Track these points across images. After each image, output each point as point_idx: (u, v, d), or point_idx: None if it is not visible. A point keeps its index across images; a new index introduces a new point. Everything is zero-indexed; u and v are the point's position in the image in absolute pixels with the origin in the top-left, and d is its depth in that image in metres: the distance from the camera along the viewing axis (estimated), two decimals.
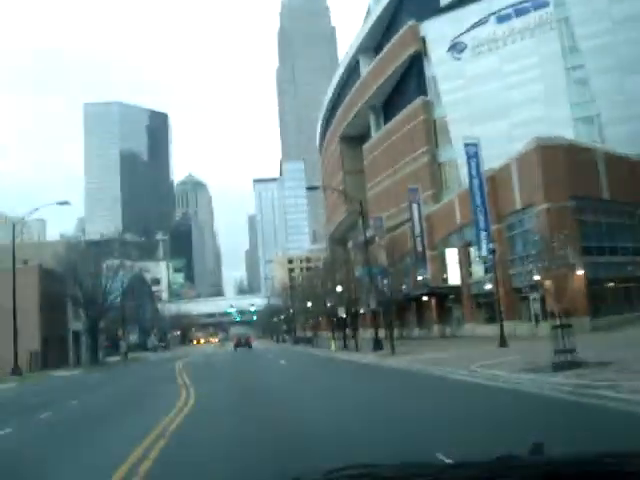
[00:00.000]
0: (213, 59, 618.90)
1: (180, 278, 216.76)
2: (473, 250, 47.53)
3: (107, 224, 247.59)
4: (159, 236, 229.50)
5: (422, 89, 61.05)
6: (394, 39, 64.64)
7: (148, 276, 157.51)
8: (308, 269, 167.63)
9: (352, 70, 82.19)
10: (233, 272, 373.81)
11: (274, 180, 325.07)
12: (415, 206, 54.29)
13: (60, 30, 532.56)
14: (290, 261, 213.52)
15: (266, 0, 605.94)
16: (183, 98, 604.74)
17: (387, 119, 70.51)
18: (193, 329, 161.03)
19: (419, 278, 54.84)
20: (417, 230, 54.40)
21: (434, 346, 39.22)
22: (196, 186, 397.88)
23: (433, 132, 59.13)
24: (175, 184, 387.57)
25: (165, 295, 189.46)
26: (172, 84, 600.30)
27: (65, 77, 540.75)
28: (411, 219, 55.46)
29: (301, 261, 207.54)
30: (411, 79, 64.10)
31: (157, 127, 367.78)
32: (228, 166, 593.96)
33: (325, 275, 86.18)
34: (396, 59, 64.12)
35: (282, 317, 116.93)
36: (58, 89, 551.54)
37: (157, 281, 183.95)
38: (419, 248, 54.20)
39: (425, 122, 59.06)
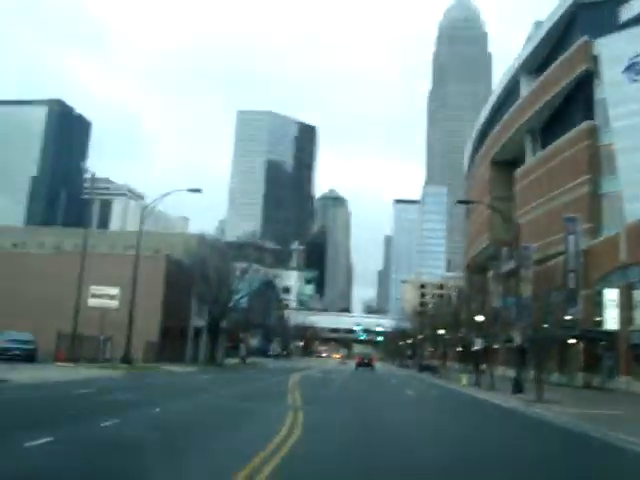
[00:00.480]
0: (365, 78, 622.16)
1: (310, 290, 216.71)
2: (638, 293, 42.04)
3: (246, 228, 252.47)
4: (294, 246, 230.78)
5: (588, 113, 55.78)
6: (562, 57, 59.73)
7: (279, 284, 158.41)
8: (440, 296, 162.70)
9: (510, 91, 77.67)
10: (363, 291, 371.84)
11: (415, 202, 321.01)
12: (572, 238, 49.10)
13: (229, 46, 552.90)
14: (422, 286, 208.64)
15: (423, 22, 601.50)
16: (332, 113, 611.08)
17: (545, 144, 65.50)
18: (316, 342, 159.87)
19: (567, 318, 49.42)
20: (571, 264, 49.05)
21: (587, 399, 34.05)
22: (336, 202, 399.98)
23: (597, 160, 53.75)
24: (316, 197, 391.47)
25: (293, 304, 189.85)
26: (323, 98, 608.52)
27: (221, 84, 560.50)
28: (566, 252, 50.08)
29: (434, 287, 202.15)
30: (577, 102, 58.96)
31: (304, 139, 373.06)
32: (370, 184, 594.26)
33: (460, 304, 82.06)
34: (562, 79, 59.22)
35: (409, 342, 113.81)
36: (212, 94, 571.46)
37: (287, 289, 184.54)
38: (571, 284, 48.74)
39: (589, 149, 53.74)
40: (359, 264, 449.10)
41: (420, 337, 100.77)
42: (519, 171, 70.61)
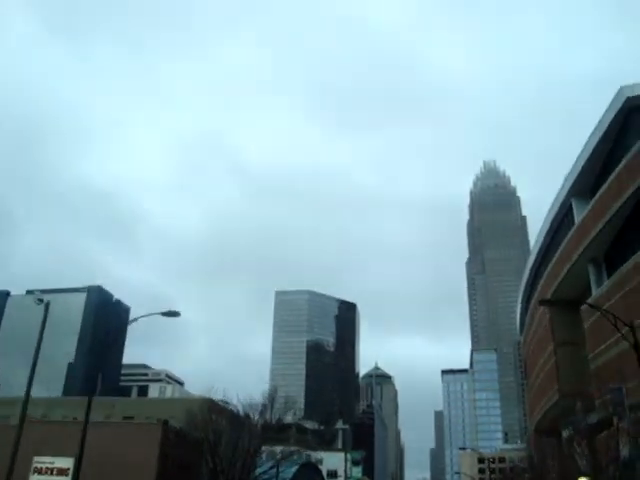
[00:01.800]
0: (400, 253, 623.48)
1: (358, 472, 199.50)
2: None
3: (289, 410, 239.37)
4: (339, 425, 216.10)
5: None
6: (620, 167, 52.14)
7: (324, 468, 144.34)
8: (501, 470, 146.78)
9: (561, 221, 69.64)
10: (416, 472, 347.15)
11: (464, 371, 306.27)
12: None
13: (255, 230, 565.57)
14: (481, 460, 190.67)
15: (454, 192, 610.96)
16: (370, 290, 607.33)
17: (611, 270, 56.39)
18: None
19: None
20: None
21: None
22: (382, 379, 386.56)
23: None
24: (361, 376, 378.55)
25: None
26: (359, 276, 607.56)
27: (253, 265, 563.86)
28: None
29: (493, 460, 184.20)
30: None
31: (345, 317, 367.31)
32: (415, 358, 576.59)
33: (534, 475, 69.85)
34: (620, 195, 51.41)
35: None
36: (247, 276, 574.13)
37: (333, 473, 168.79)
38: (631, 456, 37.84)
39: None
40: (410, 443, 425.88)
41: None
42: (586, 306, 60.70)
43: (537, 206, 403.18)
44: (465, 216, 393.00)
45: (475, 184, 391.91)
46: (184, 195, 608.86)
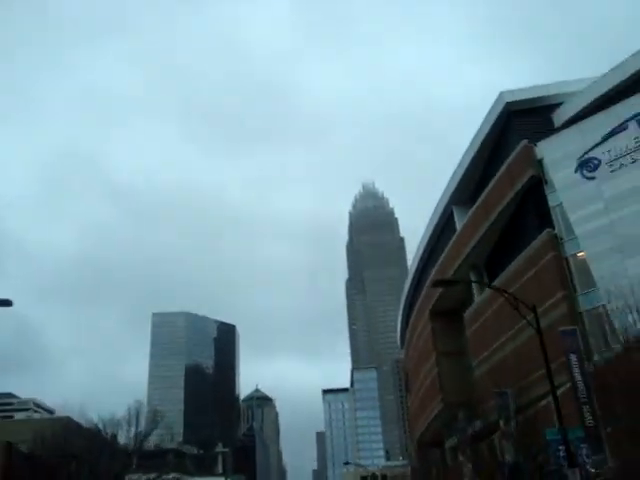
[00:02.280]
0: (280, 270, 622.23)
1: None
2: None
3: (167, 437, 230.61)
4: (219, 448, 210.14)
5: (542, 226, 47.23)
6: (501, 171, 52.13)
7: None
8: None
9: (441, 231, 69.56)
10: None
11: (345, 390, 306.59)
12: (574, 357, 37.33)
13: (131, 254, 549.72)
14: (364, 477, 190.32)
15: (335, 213, 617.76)
16: (251, 311, 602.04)
17: (493, 276, 56.24)
18: None
19: (592, 470, 35.82)
20: (582, 395, 35.98)
21: None
22: (262, 401, 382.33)
23: (566, 274, 44.21)
24: (241, 398, 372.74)
25: None
26: (238, 295, 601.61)
27: (135, 288, 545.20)
28: (572, 379, 37.24)
29: (376, 477, 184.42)
30: (526, 216, 50.74)
31: (225, 339, 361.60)
32: (296, 379, 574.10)
33: None
34: (506, 194, 51.33)
35: None
36: (127, 300, 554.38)
37: None
38: (589, 422, 35.50)
39: (556, 261, 44.40)
40: (292, 465, 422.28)
41: None
42: (468, 313, 60.42)
43: (414, 227, 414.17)
44: (345, 237, 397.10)
45: (354, 206, 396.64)
46: (53, 214, 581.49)
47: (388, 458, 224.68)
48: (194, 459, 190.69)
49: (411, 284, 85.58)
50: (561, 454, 32.73)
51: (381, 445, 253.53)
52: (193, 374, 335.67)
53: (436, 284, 44.11)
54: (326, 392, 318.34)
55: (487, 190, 54.75)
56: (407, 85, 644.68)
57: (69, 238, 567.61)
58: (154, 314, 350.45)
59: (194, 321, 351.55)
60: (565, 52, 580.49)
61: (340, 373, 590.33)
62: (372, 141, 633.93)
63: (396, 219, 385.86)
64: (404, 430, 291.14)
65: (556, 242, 45.22)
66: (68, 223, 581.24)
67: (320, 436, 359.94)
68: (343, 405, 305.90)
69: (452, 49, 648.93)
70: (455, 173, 62.27)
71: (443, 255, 66.52)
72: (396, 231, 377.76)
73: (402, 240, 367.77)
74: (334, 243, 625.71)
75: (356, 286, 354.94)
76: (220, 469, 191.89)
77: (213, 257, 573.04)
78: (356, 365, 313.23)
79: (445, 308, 69.65)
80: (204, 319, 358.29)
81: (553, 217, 46.42)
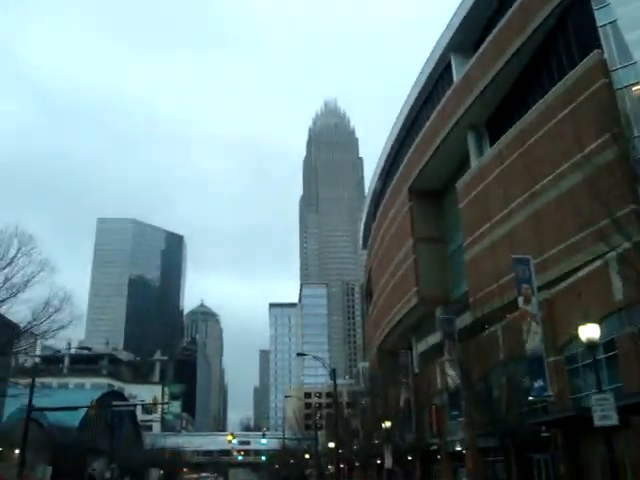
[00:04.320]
0: (233, 182, 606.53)
1: (176, 407, 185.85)
2: None
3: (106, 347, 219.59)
4: (157, 356, 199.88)
5: (583, 55, 35.51)
6: (515, 6, 40.06)
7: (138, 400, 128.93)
8: (328, 406, 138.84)
9: (437, 81, 56.97)
10: (239, 413, 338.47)
11: (293, 305, 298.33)
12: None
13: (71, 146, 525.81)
14: (307, 395, 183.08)
15: (294, 128, 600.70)
16: (199, 221, 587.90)
17: (495, 139, 44.82)
18: (184, 469, 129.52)
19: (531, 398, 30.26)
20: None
21: None
22: (207, 316, 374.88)
23: (618, 111, 32.75)
24: (185, 313, 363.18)
25: (157, 426, 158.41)
26: (188, 205, 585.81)
27: (82, 191, 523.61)
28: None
29: (319, 396, 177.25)
30: (557, 49, 38.89)
31: (171, 249, 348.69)
32: (243, 295, 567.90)
33: (371, 403, 59.60)
34: (528, 23, 39.22)
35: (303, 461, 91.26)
36: (61, 207, 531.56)
37: (148, 409, 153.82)
38: (539, 352, 29.15)
39: (606, 90, 32.79)
40: (234, 383, 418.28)
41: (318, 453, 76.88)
42: (462, 182, 48.92)
43: (373, 148, 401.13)
44: (302, 153, 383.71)
45: (314, 122, 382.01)
46: None
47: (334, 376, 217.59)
48: (130, 366, 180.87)
49: (386, 160, 73.13)
50: None
51: (327, 364, 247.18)
52: (137, 284, 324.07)
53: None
54: (273, 306, 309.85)
55: (507, 16, 42.41)
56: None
57: None
58: (99, 219, 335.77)
59: (141, 229, 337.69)
60: None
61: (288, 294, 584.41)
62: (335, 57, 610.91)
63: (356, 139, 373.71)
64: (352, 351, 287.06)
65: (605, 69, 33.58)
66: None
67: (264, 354, 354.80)
68: (290, 320, 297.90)
69: None
70: (460, 7, 49.38)
71: (432, 117, 54.53)
72: (356, 151, 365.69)
73: (361, 160, 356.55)
74: (290, 160, 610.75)
75: (310, 204, 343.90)
76: (157, 377, 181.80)
77: (148, 168, 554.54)
78: (306, 283, 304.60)
79: (426, 187, 58.36)
80: (152, 227, 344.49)
81: (602, 39, 34.56)
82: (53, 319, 30.02)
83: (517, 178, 39.65)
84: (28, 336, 32.60)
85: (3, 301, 28.67)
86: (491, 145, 46.41)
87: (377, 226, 76.31)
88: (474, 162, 47.81)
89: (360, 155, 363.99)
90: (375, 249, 78.26)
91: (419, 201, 58.60)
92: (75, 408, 52.16)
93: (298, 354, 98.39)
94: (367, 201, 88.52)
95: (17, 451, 63.80)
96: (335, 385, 50.88)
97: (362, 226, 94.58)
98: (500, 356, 34.47)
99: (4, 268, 27.91)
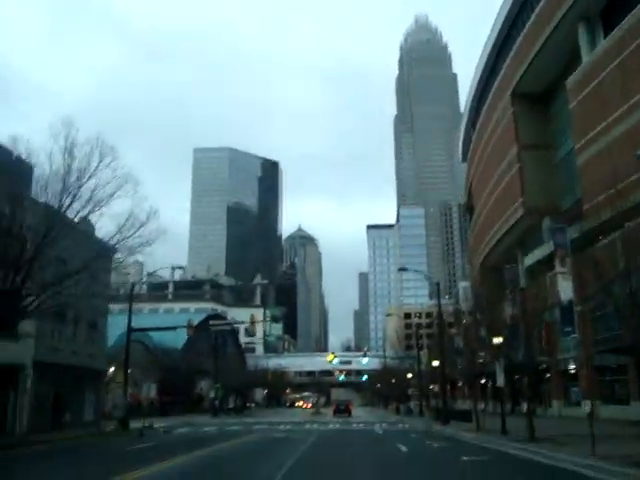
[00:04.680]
0: (325, 107, 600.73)
1: (277, 329, 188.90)
2: None
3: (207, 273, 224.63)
4: (257, 280, 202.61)
5: None
6: None
7: (241, 327, 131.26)
8: (429, 326, 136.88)
9: None
10: (339, 335, 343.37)
11: (390, 227, 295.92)
12: None
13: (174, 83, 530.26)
14: (407, 315, 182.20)
15: (385, 47, 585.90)
16: (293, 148, 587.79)
17: (609, 31, 40.19)
18: (287, 389, 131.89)
19: None
20: None
21: None
22: (305, 240, 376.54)
23: None
24: (284, 238, 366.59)
25: (260, 349, 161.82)
26: (283, 133, 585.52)
27: (180, 125, 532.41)
28: None
29: (419, 316, 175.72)
30: None
31: (267, 176, 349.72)
32: (340, 219, 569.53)
33: (474, 321, 56.83)
34: None
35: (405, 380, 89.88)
36: (160, 141, 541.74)
37: (250, 331, 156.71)
38: None
39: None
40: (334, 307, 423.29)
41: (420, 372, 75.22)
42: (573, 79, 44.53)
43: (467, 63, 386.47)
44: (394, 72, 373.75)
45: (406, 39, 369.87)
46: (66, 56, 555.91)
47: (432, 298, 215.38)
48: (232, 290, 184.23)
49: (482, 72, 68.61)
50: None
51: (426, 285, 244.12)
52: (235, 211, 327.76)
53: None
54: (371, 228, 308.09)
55: None
56: None
57: (85, 82, 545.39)
58: (196, 149, 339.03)
59: (237, 157, 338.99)
60: None
61: (385, 216, 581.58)
62: None
63: (449, 54, 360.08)
64: (450, 272, 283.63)
65: None
66: (82, 66, 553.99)
67: (363, 277, 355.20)
68: (388, 242, 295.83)
69: None
70: None
71: (536, 11, 49.71)
72: (449, 66, 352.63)
73: (455, 76, 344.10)
74: (383, 80, 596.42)
75: (405, 123, 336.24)
76: (258, 301, 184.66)
77: (243, 97, 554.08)
78: (403, 204, 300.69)
79: (530, 90, 53.90)
80: (247, 155, 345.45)
81: None
82: (139, 234, 29.10)
83: (638, 69, 35.28)
84: (119, 252, 31.82)
85: (88, 214, 27.84)
86: (605, 37, 41.70)
87: (477, 137, 72.13)
88: (586, 57, 43.27)
89: (454, 71, 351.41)
90: (475, 162, 74.27)
91: (523, 105, 54.36)
92: (173, 328, 52.40)
93: (399, 269, 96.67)
94: (465, 112, 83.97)
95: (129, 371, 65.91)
96: (439, 297, 48.74)
97: (461, 138, 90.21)
98: (619, 268, 31.15)
99: (88, 180, 26.89)
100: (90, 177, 27.08)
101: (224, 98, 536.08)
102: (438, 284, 51.02)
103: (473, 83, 76.51)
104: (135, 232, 28.84)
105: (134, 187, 28.05)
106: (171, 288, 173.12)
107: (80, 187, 27.26)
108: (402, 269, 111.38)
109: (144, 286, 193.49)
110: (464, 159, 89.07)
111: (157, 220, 30.25)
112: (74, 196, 27.37)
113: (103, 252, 31.53)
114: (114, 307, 51.26)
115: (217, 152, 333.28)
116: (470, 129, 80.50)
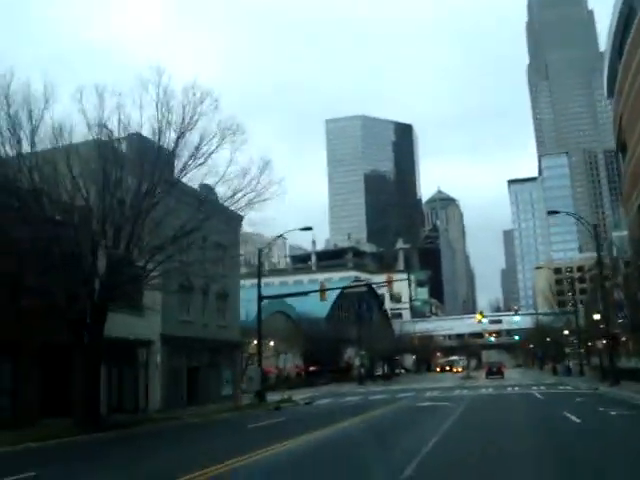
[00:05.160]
0: (455, 64, 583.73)
1: (423, 293, 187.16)
2: None
3: (348, 242, 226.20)
4: (399, 245, 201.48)
5: None
6: None
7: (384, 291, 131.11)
8: (581, 280, 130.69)
9: None
10: (487, 296, 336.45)
11: (532, 180, 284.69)
12: None
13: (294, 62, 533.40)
14: (557, 271, 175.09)
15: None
16: (424, 110, 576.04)
17: None
18: (436, 353, 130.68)
19: None
20: None
21: None
22: (446, 202, 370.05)
23: None
24: (423, 201, 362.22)
25: (406, 314, 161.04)
26: (413, 95, 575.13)
27: (304, 96, 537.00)
28: None
29: (570, 270, 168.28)
30: None
31: (402, 140, 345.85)
32: (479, 176, 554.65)
33: (636, 270, 52.69)
34: None
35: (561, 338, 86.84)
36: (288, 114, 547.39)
37: (397, 297, 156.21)
38: None
39: None
40: (480, 267, 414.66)
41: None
42: None
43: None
44: (523, 19, 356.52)
45: None
46: (186, 38, 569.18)
47: (581, 251, 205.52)
48: (374, 257, 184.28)
49: None
50: None
51: (575, 237, 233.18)
52: (372, 178, 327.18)
53: None
54: (512, 182, 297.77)
55: None
56: None
57: (213, 61, 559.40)
58: (328, 120, 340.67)
59: (369, 124, 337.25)
60: None
61: (525, 170, 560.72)
62: None
63: None
64: (600, 223, 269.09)
65: None
66: (208, 50, 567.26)
67: (507, 235, 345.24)
68: (531, 196, 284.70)
69: None
70: None
71: None
72: (584, 4, 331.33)
73: (590, 14, 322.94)
74: (510, 29, 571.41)
75: (539, 71, 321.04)
76: (402, 266, 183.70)
77: (370, 65, 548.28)
78: (543, 153, 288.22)
79: None
80: (379, 121, 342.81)
81: None
82: (252, 188, 28.01)
83: None
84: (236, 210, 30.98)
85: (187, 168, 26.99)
86: None
87: (625, 65, 66.55)
88: None
89: (589, 8, 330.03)
90: (626, 91, 68.63)
91: None
92: (305, 293, 52.43)
93: (549, 212, 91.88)
94: (609, 42, 77.93)
95: (271, 343, 67.27)
96: (598, 242, 45.89)
97: (605, 71, 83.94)
98: None
99: (189, 130, 26.24)
100: (190, 128, 26.13)
101: (351, 66, 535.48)
102: (596, 226, 47.75)
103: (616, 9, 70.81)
104: (247, 186, 27.94)
105: (241, 137, 26.71)
106: (314, 259, 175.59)
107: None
108: (552, 212, 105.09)
109: (287, 260, 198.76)
110: (609, 94, 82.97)
111: (270, 172, 28.63)
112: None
113: (215, 212, 30.70)
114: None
115: (349, 121, 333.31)
116: (616, 58, 74.54)
